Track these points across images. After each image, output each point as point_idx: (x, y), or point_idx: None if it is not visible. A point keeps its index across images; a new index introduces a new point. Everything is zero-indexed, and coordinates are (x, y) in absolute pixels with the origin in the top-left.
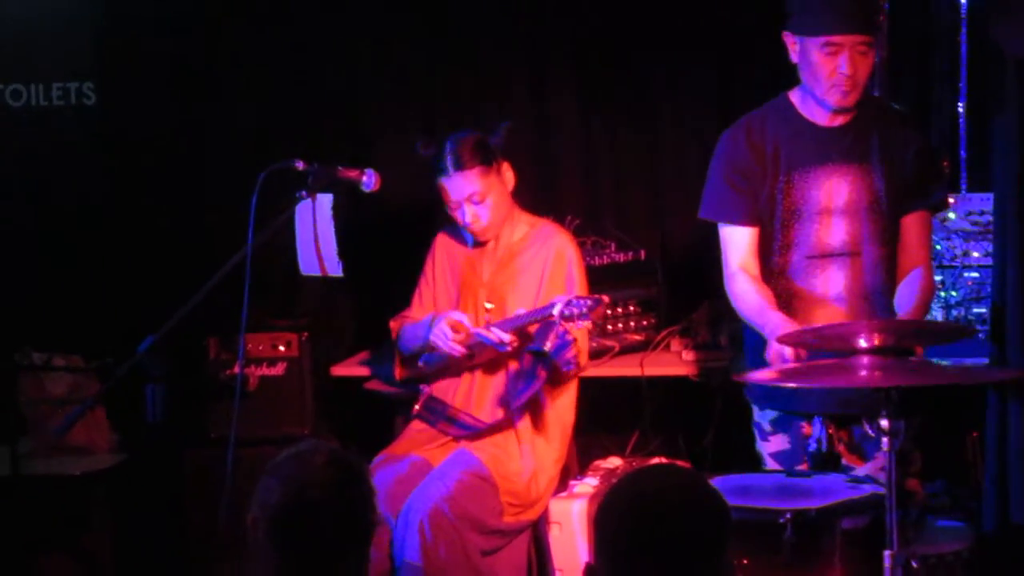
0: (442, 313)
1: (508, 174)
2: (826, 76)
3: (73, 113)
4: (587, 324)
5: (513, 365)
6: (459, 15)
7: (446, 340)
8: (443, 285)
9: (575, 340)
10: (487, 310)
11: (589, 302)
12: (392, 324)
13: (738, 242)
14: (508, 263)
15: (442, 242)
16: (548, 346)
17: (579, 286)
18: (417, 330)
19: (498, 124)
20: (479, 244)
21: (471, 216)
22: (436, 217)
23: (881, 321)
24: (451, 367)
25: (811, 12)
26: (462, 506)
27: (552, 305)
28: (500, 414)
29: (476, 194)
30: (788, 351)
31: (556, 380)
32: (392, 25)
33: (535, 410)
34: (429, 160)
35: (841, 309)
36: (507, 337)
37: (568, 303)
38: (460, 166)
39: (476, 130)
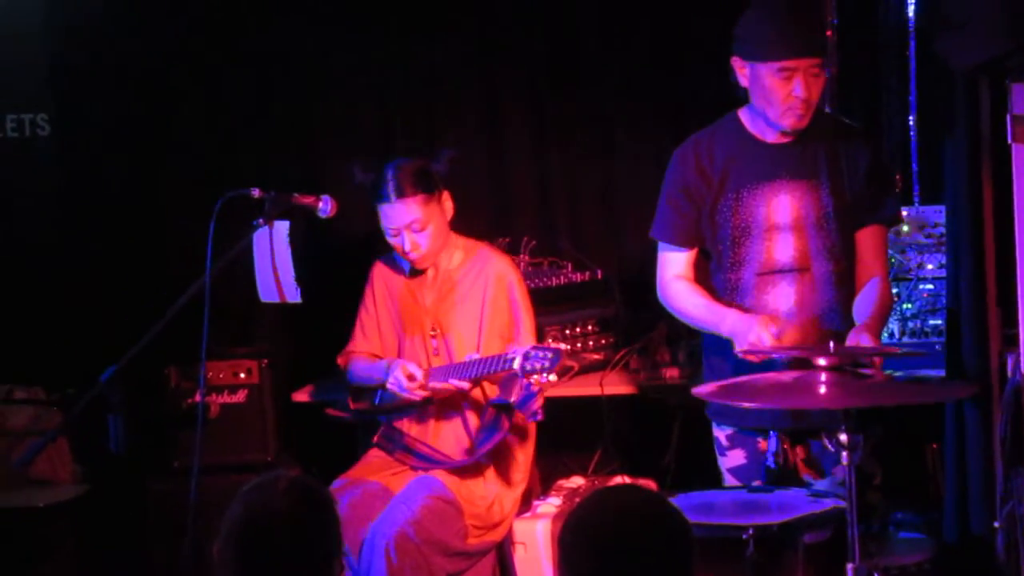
0: (396, 361)
1: (448, 203)
2: (780, 100)
3: (27, 144)
4: (552, 379)
5: (471, 401)
6: (415, 39)
7: (403, 389)
8: (386, 315)
9: (541, 391)
10: (432, 336)
11: (549, 354)
12: (340, 360)
13: (674, 261)
14: (449, 291)
15: (380, 272)
16: (514, 399)
17: (523, 308)
18: (372, 372)
19: (441, 152)
20: (417, 272)
21: (410, 244)
22: (376, 244)
23: (838, 347)
24: (407, 404)
25: (763, 38)
26: (427, 530)
27: (510, 359)
28: (462, 457)
29: (417, 222)
30: (767, 338)
31: (521, 430)
32: (347, 55)
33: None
34: (367, 185)
35: (792, 325)
36: (466, 385)
37: (526, 356)
38: (402, 193)
39: (417, 157)
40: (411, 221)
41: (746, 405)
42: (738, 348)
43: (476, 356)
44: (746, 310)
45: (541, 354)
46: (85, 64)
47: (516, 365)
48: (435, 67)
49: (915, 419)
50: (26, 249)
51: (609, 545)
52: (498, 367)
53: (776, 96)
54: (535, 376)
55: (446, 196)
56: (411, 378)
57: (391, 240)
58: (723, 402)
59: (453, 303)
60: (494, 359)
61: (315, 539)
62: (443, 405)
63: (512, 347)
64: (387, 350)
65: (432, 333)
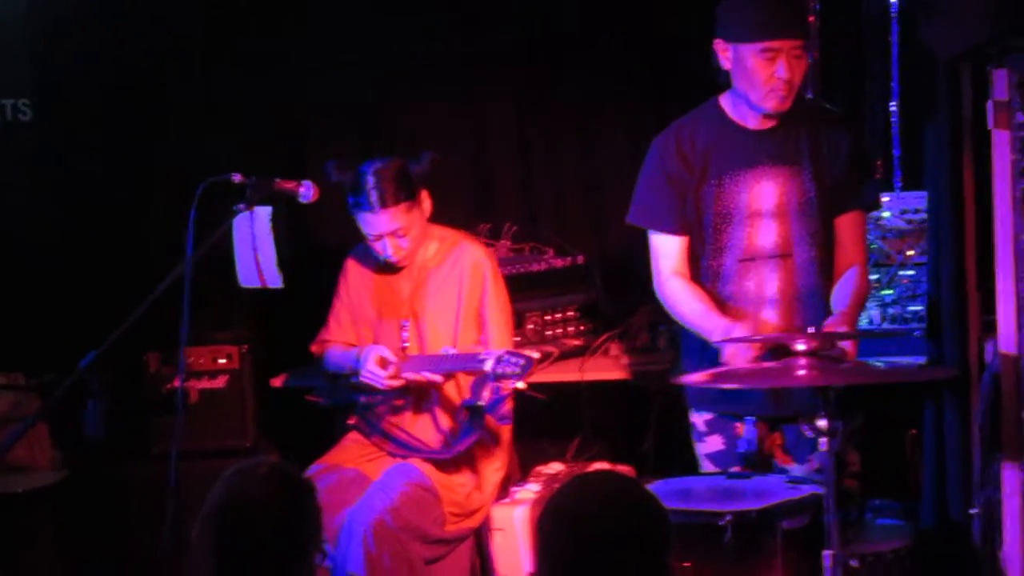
0: (368, 349)
1: (427, 203)
2: (763, 81)
3: (9, 129)
4: (520, 386)
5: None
6: (410, 35)
7: (379, 380)
8: (360, 305)
9: (510, 395)
10: (403, 327)
11: (521, 361)
12: (313, 349)
13: (668, 249)
14: (424, 282)
15: (354, 263)
16: (484, 401)
17: (495, 298)
18: (343, 361)
19: (423, 154)
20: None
21: (392, 248)
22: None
23: (818, 332)
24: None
25: (747, 19)
26: (405, 517)
27: (483, 360)
28: (438, 445)
29: (401, 229)
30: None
31: (492, 433)
32: (336, 51)
33: None
34: (344, 186)
35: (773, 311)
36: (438, 379)
37: (499, 360)
38: (385, 203)
39: (396, 158)
40: (395, 229)
41: (731, 385)
42: (724, 360)
43: (452, 350)
44: (727, 296)
45: (513, 360)
46: (69, 50)
47: (488, 367)
48: (421, 57)
49: (894, 406)
50: (4, 233)
51: (587, 531)
52: (471, 366)
53: (759, 77)
54: (505, 380)
55: (425, 195)
56: (383, 364)
57: (372, 245)
58: (708, 385)
59: (429, 293)
60: (468, 357)
61: (294, 525)
62: (419, 392)
63: (486, 348)
64: (362, 339)
65: (405, 323)
